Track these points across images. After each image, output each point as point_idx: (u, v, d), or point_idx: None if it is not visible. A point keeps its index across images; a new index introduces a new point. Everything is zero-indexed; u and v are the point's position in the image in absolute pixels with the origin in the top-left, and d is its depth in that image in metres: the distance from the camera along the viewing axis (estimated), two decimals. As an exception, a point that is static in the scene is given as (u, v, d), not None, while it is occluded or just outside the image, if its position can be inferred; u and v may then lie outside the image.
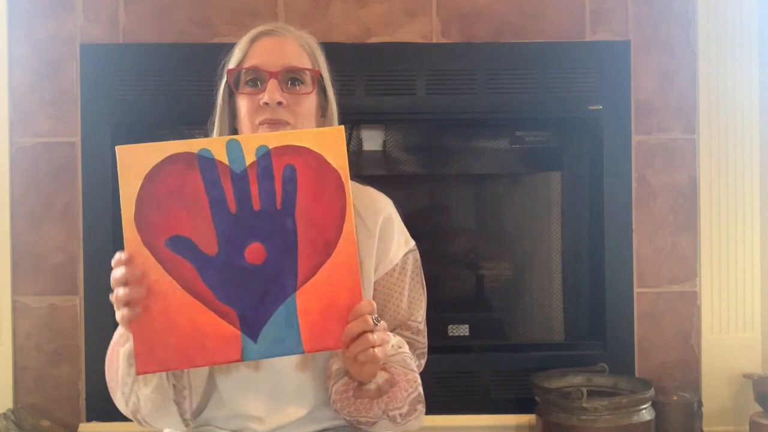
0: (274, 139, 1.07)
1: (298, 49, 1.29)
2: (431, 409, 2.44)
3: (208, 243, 1.06)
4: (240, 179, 1.06)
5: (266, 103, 1.23)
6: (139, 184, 1.05)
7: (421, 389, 1.24)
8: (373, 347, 1.08)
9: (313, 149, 1.07)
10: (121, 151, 1.05)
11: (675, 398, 2.34)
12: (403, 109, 2.41)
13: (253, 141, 1.06)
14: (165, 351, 1.06)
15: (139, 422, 1.24)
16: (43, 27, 2.40)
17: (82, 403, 2.41)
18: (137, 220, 1.05)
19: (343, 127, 1.08)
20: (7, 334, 2.40)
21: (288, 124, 1.24)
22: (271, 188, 1.06)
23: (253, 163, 1.06)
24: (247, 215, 1.07)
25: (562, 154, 2.58)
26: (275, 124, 1.24)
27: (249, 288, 1.07)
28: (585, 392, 2.17)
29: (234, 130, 1.30)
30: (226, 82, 1.30)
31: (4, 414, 2.31)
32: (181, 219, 1.06)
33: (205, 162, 1.05)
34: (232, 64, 1.29)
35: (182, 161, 1.05)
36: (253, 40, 1.29)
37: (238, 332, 1.07)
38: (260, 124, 1.24)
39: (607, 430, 2.16)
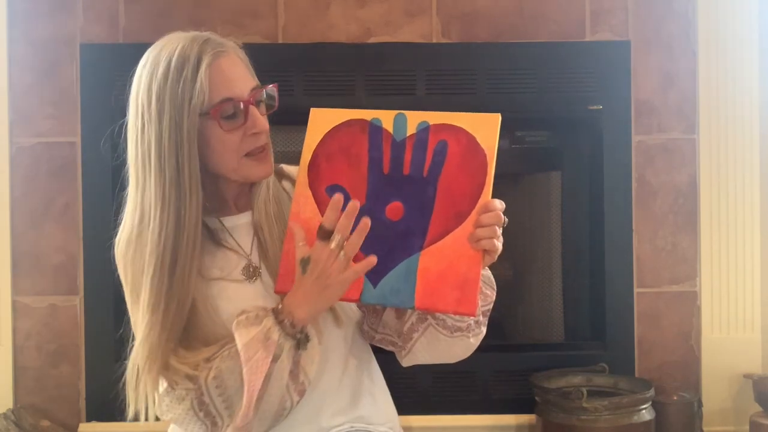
0: (436, 117, 1.20)
1: (243, 66, 1.23)
2: (431, 409, 2.46)
3: (359, 195, 1.19)
4: (398, 146, 1.20)
5: (255, 133, 1.21)
6: (319, 139, 1.22)
7: (491, 306, 1.26)
8: (495, 239, 1.14)
9: (467, 130, 1.18)
10: (314, 111, 1.23)
11: (675, 398, 2.34)
12: (404, 109, 2.40)
13: (417, 117, 1.21)
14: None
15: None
16: (43, 27, 2.40)
17: (82, 403, 2.41)
18: (310, 167, 1.22)
19: (499, 114, 1.17)
20: (7, 334, 2.40)
21: (267, 145, 1.24)
22: (422, 157, 1.18)
23: (412, 135, 1.20)
24: (397, 177, 1.19)
25: (562, 154, 2.57)
26: (263, 151, 1.22)
27: (382, 239, 1.18)
28: (585, 392, 2.17)
29: (203, 166, 1.20)
30: (203, 116, 1.18)
31: (4, 414, 2.31)
32: (343, 171, 1.21)
33: (374, 129, 1.21)
34: (198, 97, 1.16)
35: (356, 125, 1.22)
36: (209, 66, 1.17)
37: (363, 275, 1.18)
38: (247, 155, 1.21)
39: (607, 430, 2.16)
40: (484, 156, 1.16)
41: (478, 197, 1.15)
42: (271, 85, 1.25)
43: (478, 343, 1.27)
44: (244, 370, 1.13)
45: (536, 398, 2.30)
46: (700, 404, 2.38)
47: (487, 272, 1.23)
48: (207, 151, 1.20)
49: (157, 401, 1.22)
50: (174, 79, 1.17)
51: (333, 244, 1.12)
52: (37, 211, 2.41)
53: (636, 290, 2.47)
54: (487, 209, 1.14)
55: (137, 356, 1.19)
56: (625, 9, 2.45)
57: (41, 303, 2.41)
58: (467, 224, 1.15)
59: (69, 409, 2.41)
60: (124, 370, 1.23)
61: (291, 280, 1.18)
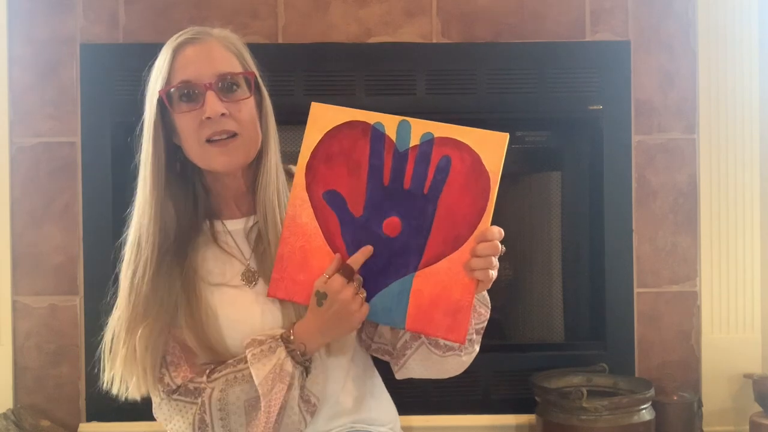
0: (441, 129, 1.14)
1: (225, 53, 1.24)
2: (431, 409, 2.45)
3: (357, 205, 1.17)
4: (400, 157, 1.15)
5: (208, 118, 1.19)
6: (319, 138, 1.17)
7: (485, 324, 1.27)
8: (491, 269, 1.14)
9: (473, 148, 1.12)
10: (315, 106, 1.18)
11: (675, 398, 2.34)
12: (403, 109, 2.37)
13: (422, 126, 1.15)
14: (294, 284, 1.18)
15: None
16: (43, 27, 2.39)
17: (82, 403, 2.41)
18: (307, 168, 1.18)
19: (507, 134, 1.12)
20: (7, 334, 2.40)
21: (236, 134, 1.22)
22: (424, 172, 1.14)
23: (415, 146, 1.15)
24: (396, 190, 1.16)
25: (562, 154, 2.57)
26: (223, 137, 1.21)
27: (377, 254, 1.16)
28: (585, 392, 2.17)
29: (174, 148, 1.26)
30: (160, 100, 1.23)
31: (4, 414, 2.31)
32: (342, 177, 1.17)
33: (376, 134, 1.16)
34: (159, 82, 1.22)
35: (359, 128, 1.17)
36: (175, 52, 1.22)
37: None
38: (207, 140, 1.21)
39: (607, 430, 2.16)
40: (488, 179, 1.12)
41: (478, 222, 1.12)
42: (242, 73, 1.24)
43: (471, 360, 1.28)
44: (263, 403, 1.16)
45: (536, 398, 2.30)
46: (700, 404, 2.38)
47: (483, 292, 1.23)
48: (177, 133, 1.24)
49: (156, 404, 1.27)
50: (154, 68, 1.26)
51: (357, 283, 1.14)
52: (37, 211, 2.40)
53: (636, 290, 2.47)
54: (484, 238, 1.12)
55: (117, 326, 1.32)
56: (625, 9, 2.45)
57: (41, 303, 2.41)
58: (464, 250, 1.13)
59: (69, 409, 2.41)
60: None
61: (284, 286, 1.18)
